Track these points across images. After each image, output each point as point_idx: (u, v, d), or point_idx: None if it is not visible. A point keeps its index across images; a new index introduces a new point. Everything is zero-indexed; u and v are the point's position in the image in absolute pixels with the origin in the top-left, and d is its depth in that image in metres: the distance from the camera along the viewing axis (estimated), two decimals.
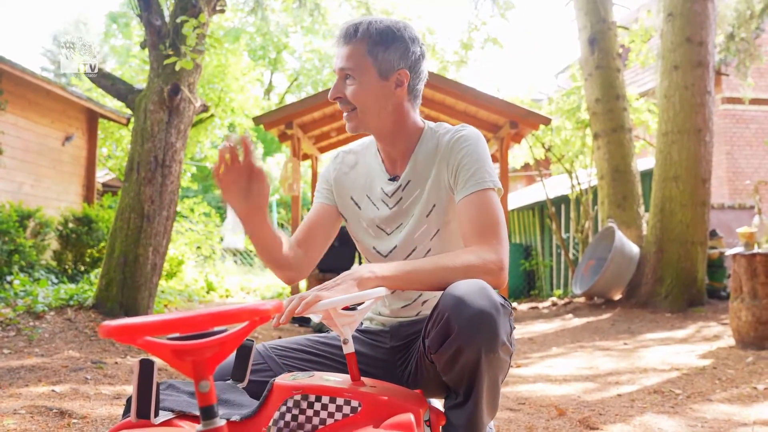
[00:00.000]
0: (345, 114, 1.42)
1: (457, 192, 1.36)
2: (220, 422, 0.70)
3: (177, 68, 4.13)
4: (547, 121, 7.13)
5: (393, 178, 1.45)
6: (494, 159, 8.29)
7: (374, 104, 1.39)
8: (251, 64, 10.88)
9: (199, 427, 0.69)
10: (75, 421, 2.06)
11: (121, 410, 2.24)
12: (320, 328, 4.79)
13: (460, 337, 1.13)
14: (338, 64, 1.39)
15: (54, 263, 6.87)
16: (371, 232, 1.47)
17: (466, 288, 1.18)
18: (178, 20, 4.15)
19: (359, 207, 1.48)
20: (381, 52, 1.36)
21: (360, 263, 6.60)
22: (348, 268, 6.47)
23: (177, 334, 0.69)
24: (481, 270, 1.24)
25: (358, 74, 1.38)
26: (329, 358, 1.41)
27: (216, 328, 0.70)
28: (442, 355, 1.18)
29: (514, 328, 1.26)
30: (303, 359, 1.41)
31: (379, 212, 1.45)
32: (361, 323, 1.53)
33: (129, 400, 1.03)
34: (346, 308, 1.16)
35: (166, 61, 4.15)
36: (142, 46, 4.59)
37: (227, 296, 8.94)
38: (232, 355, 1.33)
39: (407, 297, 1.44)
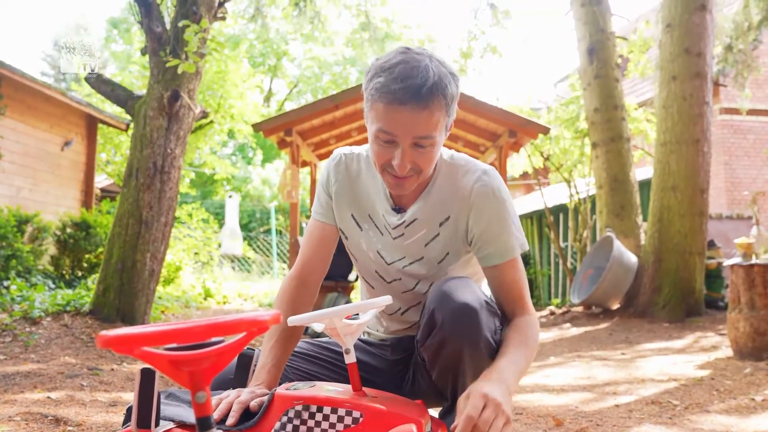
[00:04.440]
0: (401, 179, 1.22)
1: (483, 256, 1.31)
2: None
3: (180, 71, 4.13)
4: (545, 130, 7.15)
5: (397, 209, 1.35)
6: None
7: (435, 161, 1.26)
8: (251, 71, 10.90)
9: None
10: (70, 428, 2.05)
11: (116, 417, 2.23)
12: (317, 336, 4.78)
13: (443, 328, 1.16)
14: (415, 131, 1.16)
15: (51, 268, 6.85)
16: (371, 255, 1.40)
17: (451, 283, 1.21)
18: (180, 24, 4.16)
19: (360, 228, 1.39)
20: (453, 105, 1.22)
21: None
22: (347, 276, 6.46)
23: (174, 344, 0.69)
24: (538, 338, 1.31)
25: (438, 139, 1.20)
26: (332, 363, 1.41)
27: (214, 339, 0.69)
28: (428, 348, 1.21)
29: (501, 328, 1.27)
30: (306, 363, 1.41)
31: (382, 238, 1.38)
32: (363, 333, 1.53)
33: (129, 410, 1.03)
34: (349, 318, 1.16)
35: (168, 64, 4.15)
36: (143, 52, 4.60)
37: (225, 303, 8.91)
38: (233, 364, 1.33)
39: (406, 321, 1.44)
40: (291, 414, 1.08)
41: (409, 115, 1.15)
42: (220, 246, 12.14)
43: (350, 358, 1.14)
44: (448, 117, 1.21)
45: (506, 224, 1.28)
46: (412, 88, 1.13)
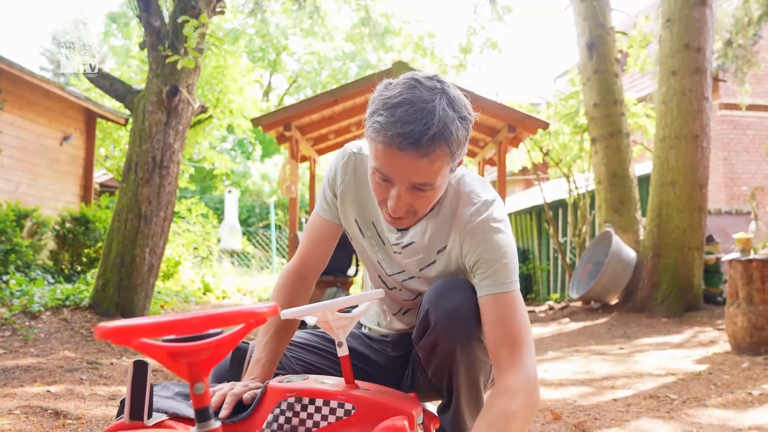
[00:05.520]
0: (396, 218, 1.17)
1: (477, 286, 1.21)
2: (215, 424, 0.70)
3: (179, 67, 4.12)
4: (545, 125, 7.14)
5: (397, 228, 1.29)
6: (492, 163, 8.30)
7: (435, 202, 1.20)
8: (250, 66, 10.88)
9: (194, 429, 0.70)
10: (70, 421, 2.05)
11: (116, 411, 2.23)
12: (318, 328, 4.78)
13: (437, 329, 1.18)
14: (412, 179, 1.10)
15: (50, 263, 6.86)
16: (373, 261, 1.39)
17: (447, 284, 1.22)
18: (179, 20, 4.16)
19: (362, 234, 1.36)
20: (460, 149, 1.13)
21: (357, 266, 6.61)
22: (346, 270, 6.46)
23: (173, 336, 0.69)
24: (531, 408, 1.11)
25: (439, 183, 1.14)
26: (333, 354, 1.43)
27: (212, 330, 0.70)
28: (422, 348, 1.23)
29: None
30: (306, 353, 1.42)
31: (383, 248, 1.35)
32: (364, 327, 1.54)
33: (123, 402, 1.03)
34: (341, 311, 1.16)
35: (168, 60, 4.15)
36: (141, 46, 4.59)
37: (224, 297, 8.93)
38: (227, 358, 1.34)
39: (407, 322, 1.44)
40: (284, 406, 1.09)
41: (407, 162, 1.07)
42: (219, 241, 12.15)
43: (343, 351, 1.14)
44: (454, 160, 1.13)
45: (500, 254, 1.18)
46: (411, 135, 1.04)
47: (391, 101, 1.08)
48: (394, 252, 1.32)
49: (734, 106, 10.54)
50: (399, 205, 1.12)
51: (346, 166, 1.32)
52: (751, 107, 10.58)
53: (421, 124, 1.04)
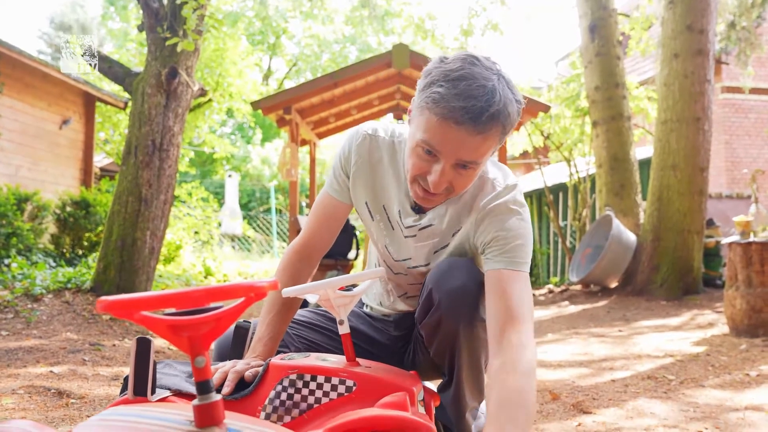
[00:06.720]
0: (431, 195, 1.15)
1: (486, 260, 1.20)
2: (216, 397, 0.71)
3: (179, 49, 4.10)
4: (546, 109, 7.11)
5: (416, 209, 1.29)
6: None
7: (472, 182, 1.19)
8: (250, 49, 10.81)
9: (195, 401, 0.70)
10: (73, 401, 2.07)
11: (118, 391, 2.25)
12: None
13: (440, 307, 1.18)
14: (462, 155, 1.08)
15: (52, 247, 6.88)
16: (379, 246, 1.38)
17: (450, 263, 1.22)
18: (178, 1, 4.12)
19: (372, 218, 1.34)
20: (510, 132, 1.13)
21: (358, 249, 6.62)
22: (346, 254, 6.48)
23: (173, 310, 0.70)
24: (535, 384, 1.07)
25: (482, 163, 1.13)
26: (335, 333, 1.44)
27: (212, 305, 0.70)
28: (425, 327, 1.23)
29: None
30: (309, 331, 1.43)
31: (393, 233, 1.33)
32: (366, 306, 1.55)
33: (126, 378, 1.04)
34: (342, 289, 1.17)
35: (168, 42, 4.12)
36: (140, 28, 4.56)
37: (225, 281, 8.96)
38: (230, 336, 1.35)
39: (412, 304, 1.45)
40: (285, 383, 1.10)
41: (462, 137, 1.05)
42: (219, 225, 12.16)
43: (344, 329, 1.15)
44: (501, 143, 1.13)
45: (516, 234, 1.17)
46: (473, 110, 1.03)
47: (452, 74, 1.06)
48: (406, 236, 1.30)
49: (737, 90, 10.48)
50: (441, 181, 1.10)
51: (360, 148, 1.30)
52: (754, 90, 10.52)
53: (483, 100, 1.03)
